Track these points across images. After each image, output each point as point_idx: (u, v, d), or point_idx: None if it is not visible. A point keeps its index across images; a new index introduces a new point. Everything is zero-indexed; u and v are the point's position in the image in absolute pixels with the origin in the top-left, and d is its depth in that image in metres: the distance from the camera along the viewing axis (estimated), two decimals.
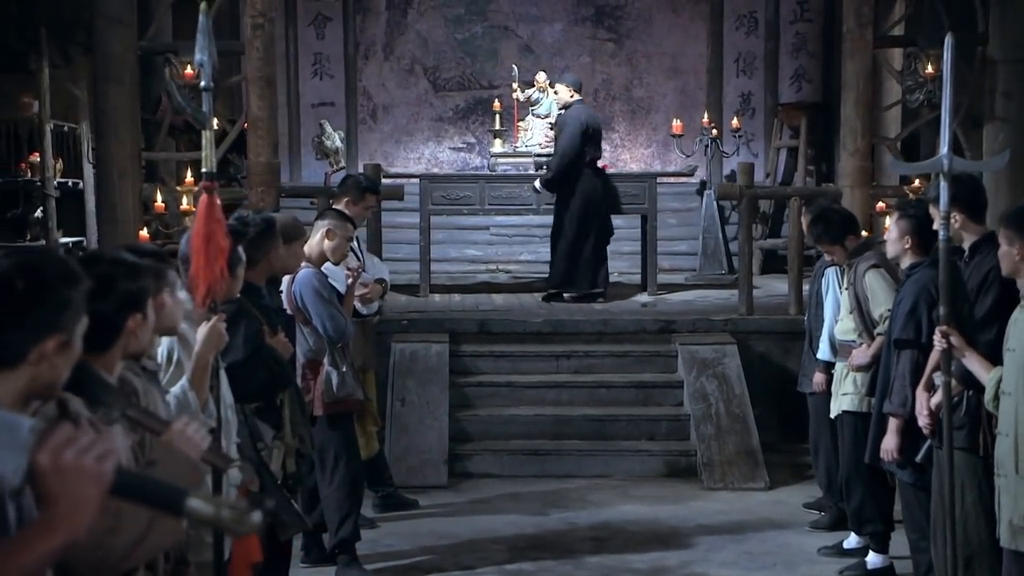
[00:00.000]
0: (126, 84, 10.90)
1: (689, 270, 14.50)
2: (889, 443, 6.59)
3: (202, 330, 4.88)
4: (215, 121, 12.37)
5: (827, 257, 8.12)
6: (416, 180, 13.29)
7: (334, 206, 8.29)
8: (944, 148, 5.70)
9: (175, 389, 4.83)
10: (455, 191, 12.86)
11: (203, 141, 5.26)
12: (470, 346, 10.85)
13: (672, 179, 14.74)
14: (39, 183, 13.05)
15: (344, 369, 7.47)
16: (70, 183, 13.71)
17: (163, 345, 4.96)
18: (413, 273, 12.91)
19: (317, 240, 7.56)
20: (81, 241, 12.93)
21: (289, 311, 7.31)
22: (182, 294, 4.58)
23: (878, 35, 11.28)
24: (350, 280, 7.74)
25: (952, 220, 6.05)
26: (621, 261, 14.74)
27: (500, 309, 11.86)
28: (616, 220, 14.70)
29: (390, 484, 9.08)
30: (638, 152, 16.28)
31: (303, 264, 7.41)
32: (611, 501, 9.25)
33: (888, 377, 6.66)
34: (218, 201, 5.05)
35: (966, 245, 6.20)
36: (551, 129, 12.98)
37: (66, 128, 13.97)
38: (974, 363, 5.69)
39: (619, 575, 7.73)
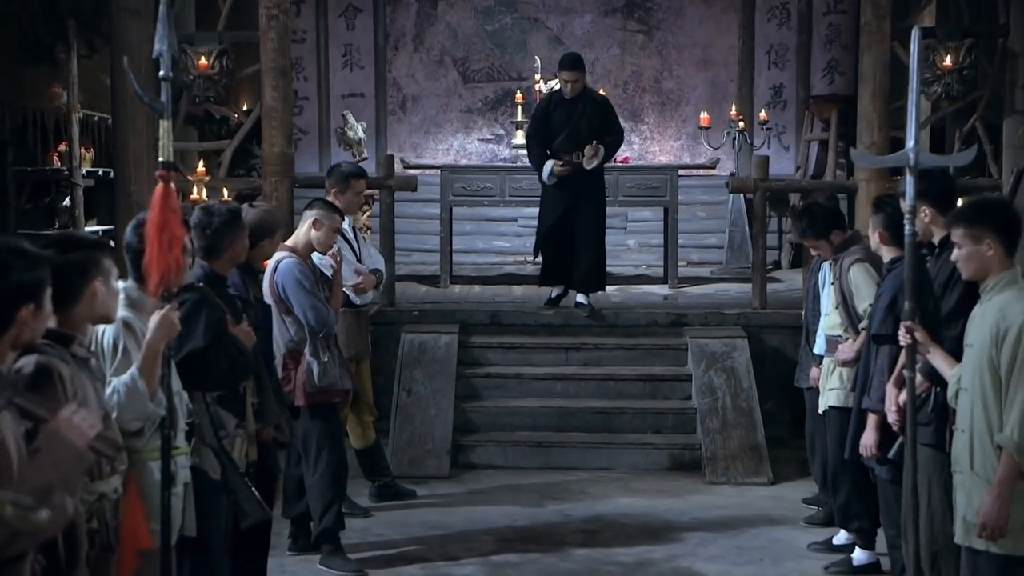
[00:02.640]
0: (142, 74, 10.96)
1: (717, 263, 14.43)
2: (868, 439, 6.56)
3: (154, 319, 4.92)
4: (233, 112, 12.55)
5: (813, 252, 8.08)
6: (438, 171, 13.29)
7: (325, 197, 8.33)
8: (910, 142, 5.61)
9: (124, 377, 4.89)
10: (476, 182, 12.90)
11: (160, 130, 5.30)
12: (480, 337, 10.86)
13: (702, 172, 14.62)
14: (67, 172, 13.22)
15: (326, 359, 7.50)
16: (100, 172, 13.87)
17: (109, 333, 5.01)
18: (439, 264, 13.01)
19: (304, 230, 7.62)
20: (112, 229, 13.08)
21: (271, 300, 7.38)
22: (117, 283, 4.61)
23: (898, 27, 11.13)
24: (333, 269, 7.77)
25: (922, 215, 6.02)
26: (647, 254, 14.74)
27: (515, 301, 11.85)
28: (642, 212, 14.75)
29: (387, 474, 9.11)
30: (667, 144, 16.19)
31: (286, 254, 7.48)
32: (610, 494, 9.25)
33: (868, 373, 6.61)
34: (174, 190, 5.06)
35: (936, 240, 6.12)
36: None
37: (96, 118, 14.14)
38: (938, 359, 5.64)
39: (604, 568, 7.72)
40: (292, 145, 11.15)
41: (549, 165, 10.81)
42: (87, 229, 12.90)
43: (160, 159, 5.18)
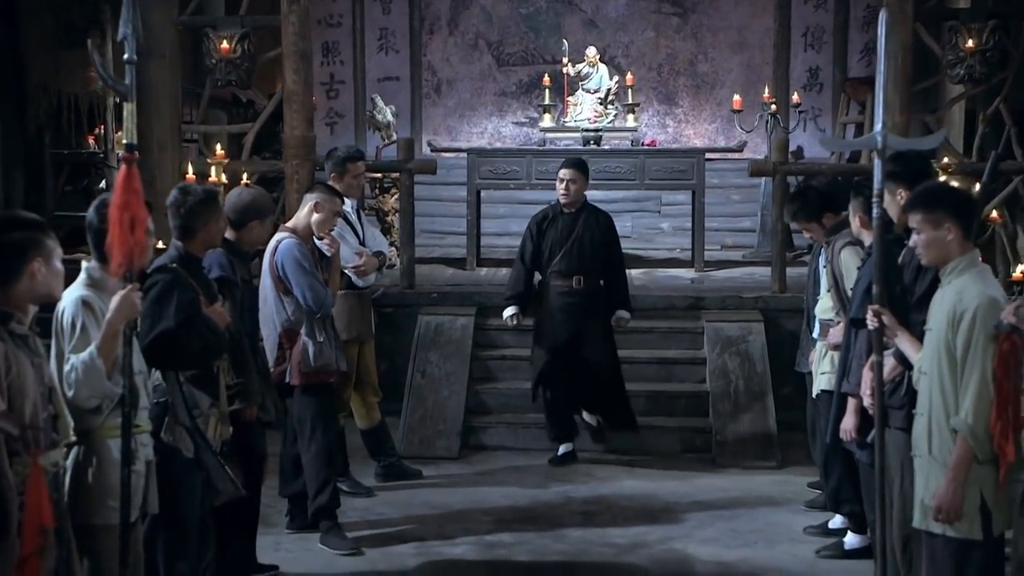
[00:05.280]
0: (166, 58, 11.17)
1: (750, 247, 14.37)
2: (847, 423, 6.52)
3: (115, 299, 5.00)
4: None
5: (806, 235, 8.05)
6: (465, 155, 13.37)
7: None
8: (878, 125, 5.59)
9: (83, 355, 4.98)
10: (503, 166, 12.96)
11: (125, 113, 5.36)
12: (497, 320, 10.82)
13: (736, 156, 14.57)
14: (102, 155, 13.43)
15: (321, 339, 7.58)
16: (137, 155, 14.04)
17: (68, 311, 5.11)
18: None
19: (305, 213, 7.70)
20: None
21: (270, 280, 7.49)
22: (59, 263, 4.69)
23: (921, 8, 11.06)
24: (331, 252, 7.85)
25: (897, 197, 6.00)
26: (681, 237, 14.71)
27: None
28: (676, 196, 14.72)
29: (392, 454, 9.19)
30: (702, 127, 16.17)
31: (286, 235, 7.59)
32: (615, 476, 9.28)
33: (849, 357, 6.60)
34: (137, 172, 5.12)
35: (912, 223, 6.08)
36: (602, 105, 12.86)
37: None
38: (905, 343, 5.64)
39: (595, 548, 7.76)
40: (313, 128, 11.21)
41: (511, 311, 9.67)
42: None
43: (124, 141, 5.24)
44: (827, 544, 7.70)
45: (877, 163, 5.59)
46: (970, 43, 10.83)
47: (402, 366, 10.46)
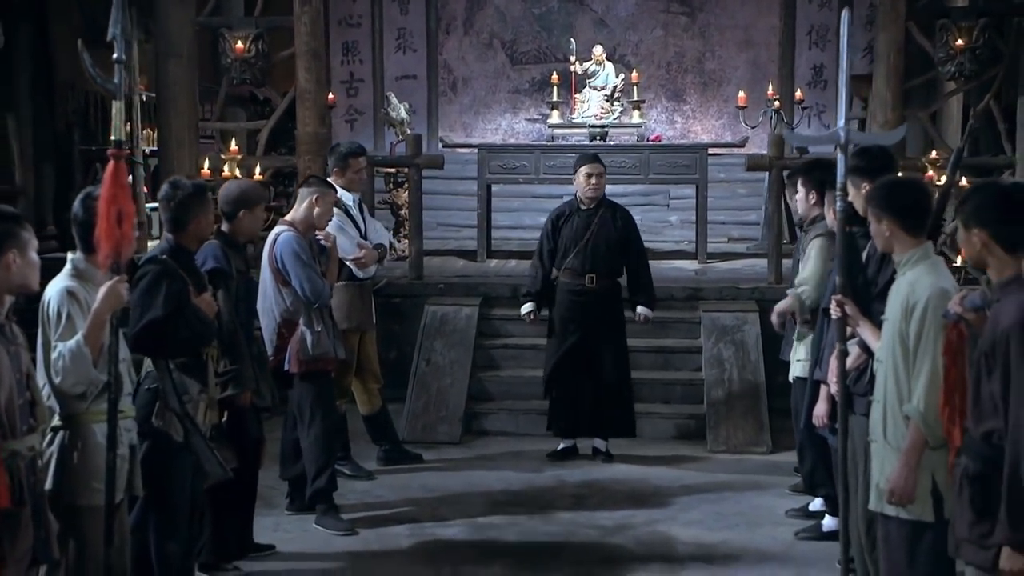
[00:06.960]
0: (184, 57, 11.52)
1: (754, 240, 14.62)
2: (819, 409, 6.73)
3: (102, 290, 5.26)
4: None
5: (787, 195, 8.31)
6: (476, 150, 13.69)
7: (328, 177, 8.73)
8: (841, 121, 5.83)
9: (70, 343, 5.23)
10: (512, 161, 13.27)
11: (113, 112, 5.60)
12: (501, 310, 11.20)
13: (741, 151, 14.82)
14: (129, 151, 13.74)
15: (319, 329, 7.86)
16: None
17: (54, 302, 5.36)
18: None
19: (304, 207, 7.96)
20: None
21: (269, 271, 7.81)
22: (35, 254, 4.92)
23: (913, 7, 11.32)
24: (328, 245, 8.15)
25: (862, 191, 6.23)
26: (688, 231, 14.96)
27: None
28: (684, 189, 14.98)
29: (393, 439, 9.48)
30: (709, 123, 16.45)
31: (285, 228, 7.90)
32: (609, 462, 9.54)
33: (822, 345, 6.85)
34: (125, 167, 5.39)
35: None
36: (609, 100, 13.10)
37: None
38: (866, 332, 5.82)
39: (582, 530, 8.01)
40: (325, 125, 11.58)
41: (527, 308, 9.67)
42: (148, 206, 13.42)
43: (112, 138, 5.48)
44: (806, 526, 7.93)
45: (840, 158, 5.84)
46: (960, 41, 11.05)
47: (409, 354, 10.78)
